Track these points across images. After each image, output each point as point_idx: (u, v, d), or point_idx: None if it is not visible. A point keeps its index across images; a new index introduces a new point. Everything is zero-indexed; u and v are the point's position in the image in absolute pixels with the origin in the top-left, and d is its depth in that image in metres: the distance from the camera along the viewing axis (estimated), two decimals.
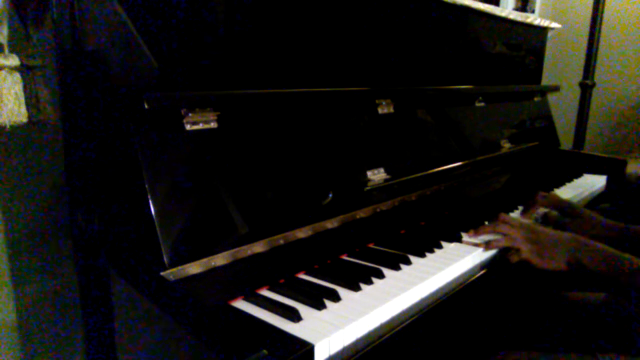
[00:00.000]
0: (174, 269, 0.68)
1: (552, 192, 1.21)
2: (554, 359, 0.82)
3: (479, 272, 0.89)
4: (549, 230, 0.94)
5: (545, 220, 1.14)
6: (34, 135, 0.98)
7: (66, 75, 0.87)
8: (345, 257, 0.89)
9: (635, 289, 0.81)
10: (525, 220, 1.02)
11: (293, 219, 0.84)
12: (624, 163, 1.61)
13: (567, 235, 0.92)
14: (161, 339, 0.66)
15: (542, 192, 1.21)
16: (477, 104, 1.44)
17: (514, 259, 0.92)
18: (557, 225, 1.08)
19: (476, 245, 0.94)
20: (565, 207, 1.12)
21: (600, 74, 2.19)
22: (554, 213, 1.14)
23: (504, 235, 0.93)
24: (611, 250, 0.86)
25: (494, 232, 0.95)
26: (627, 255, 0.84)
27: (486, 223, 1.02)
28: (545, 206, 1.17)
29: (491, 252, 0.94)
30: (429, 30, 1.27)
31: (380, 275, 0.79)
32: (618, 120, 2.56)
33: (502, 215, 0.97)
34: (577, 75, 2.11)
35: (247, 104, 0.85)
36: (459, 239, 0.96)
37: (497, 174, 1.41)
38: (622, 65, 2.50)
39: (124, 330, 0.81)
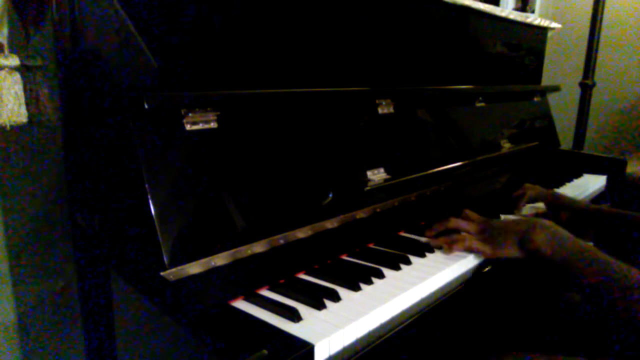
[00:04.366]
0: (174, 269, 0.68)
1: (535, 185, 1.22)
2: None
3: (479, 272, 0.89)
4: (503, 220, 0.91)
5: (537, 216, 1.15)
6: (34, 135, 0.98)
7: (66, 75, 0.87)
8: (345, 257, 0.88)
9: (591, 278, 0.75)
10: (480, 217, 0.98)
11: (293, 219, 0.84)
12: (624, 163, 1.61)
13: (523, 219, 0.88)
14: (161, 339, 0.66)
15: (526, 184, 1.21)
16: (477, 104, 1.44)
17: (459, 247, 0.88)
18: (550, 218, 1.08)
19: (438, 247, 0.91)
20: (548, 196, 1.13)
21: (600, 74, 2.19)
22: (543, 209, 1.15)
23: (459, 233, 0.91)
24: (571, 237, 0.81)
25: (447, 228, 0.93)
26: (584, 242, 0.79)
27: None
28: (531, 199, 1.18)
29: None
30: (429, 30, 1.27)
31: (380, 275, 0.79)
32: (618, 120, 2.56)
33: (465, 211, 0.96)
34: (577, 75, 2.11)
35: (247, 104, 0.85)
36: None
37: (497, 174, 1.41)
38: (622, 65, 2.50)
39: (124, 330, 0.81)
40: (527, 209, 1.20)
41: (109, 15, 0.77)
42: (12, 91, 0.76)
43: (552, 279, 1.16)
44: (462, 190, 1.25)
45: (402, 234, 1.01)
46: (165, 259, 0.67)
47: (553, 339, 0.95)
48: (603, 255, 0.76)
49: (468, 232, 0.92)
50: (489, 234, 0.89)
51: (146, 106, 0.67)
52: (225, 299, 0.71)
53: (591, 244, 0.80)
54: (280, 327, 0.62)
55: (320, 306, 0.68)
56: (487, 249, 0.87)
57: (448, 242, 0.90)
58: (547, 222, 0.84)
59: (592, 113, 2.13)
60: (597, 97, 2.29)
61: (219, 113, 0.78)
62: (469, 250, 0.88)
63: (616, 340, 0.83)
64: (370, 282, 0.77)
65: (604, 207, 1.03)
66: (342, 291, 0.73)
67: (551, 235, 0.81)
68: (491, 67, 1.57)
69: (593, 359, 0.79)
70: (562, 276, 0.80)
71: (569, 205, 1.09)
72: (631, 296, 0.70)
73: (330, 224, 0.89)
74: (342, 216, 0.91)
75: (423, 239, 0.95)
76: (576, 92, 2.12)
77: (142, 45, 0.73)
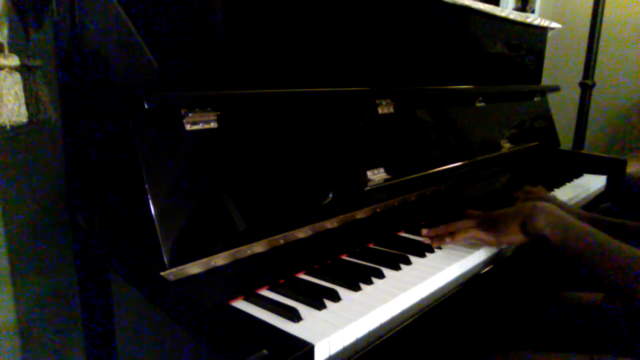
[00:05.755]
0: (174, 269, 0.68)
1: (536, 187, 1.21)
2: (551, 358, 0.82)
3: (479, 272, 0.89)
4: (504, 209, 0.89)
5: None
6: (34, 135, 0.98)
7: (66, 75, 0.87)
8: (345, 257, 0.89)
9: (598, 262, 0.74)
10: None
11: (293, 219, 0.84)
12: (624, 163, 1.61)
13: (526, 204, 0.85)
14: (161, 339, 0.66)
15: (526, 187, 1.20)
16: (477, 104, 1.44)
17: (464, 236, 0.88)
18: None
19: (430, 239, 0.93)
20: (547, 200, 1.13)
21: (600, 74, 2.19)
22: None
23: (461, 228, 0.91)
24: (574, 220, 0.80)
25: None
26: (585, 224, 0.79)
27: None
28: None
29: (491, 253, 0.94)
30: (429, 30, 1.27)
31: (380, 275, 0.79)
32: (618, 120, 2.56)
33: (467, 210, 0.96)
34: (577, 75, 2.11)
35: (247, 104, 0.85)
36: None
37: (497, 174, 1.41)
38: (622, 65, 2.50)
39: (124, 330, 0.81)
40: None
41: (109, 15, 0.77)
42: (12, 91, 0.76)
43: (550, 279, 1.16)
44: (462, 190, 1.25)
45: (402, 234, 1.01)
46: (165, 259, 0.67)
47: (551, 337, 0.96)
48: (604, 236, 0.76)
49: (467, 226, 0.91)
50: (491, 224, 0.88)
51: (146, 106, 0.67)
52: (225, 299, 0.71)
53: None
54: (281, 327, 0.62)
55: (320, 306, 0.68)
56: (490, 237, 0.87)
57: (449, 231, 0.90)
58: (547, 205, 0.83)
59: (592, 113, 2.13)
60: (597, 97, 2.29)
61: (219, 113, 0.78)
62: (472, 239, 0.88)
63: (617, 335, 0.83)
64: (370, 282, 0.77)
65: (598, 215, 1.01)
66: (342, 291, 0.73)
67: (552, 217, 0.80)
68: (491, 67, 1.57)
69: (590, 356, 0.79)
70: (564, 259, 0.80)
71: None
72: (629, 273, 0.69)
73: (330, 224, 0.89)
74: (342, 216, 0.91)
75: (422, 239, 0.95)
76: (576, 92, 2.12)
77: (142, 45, 0.73)
